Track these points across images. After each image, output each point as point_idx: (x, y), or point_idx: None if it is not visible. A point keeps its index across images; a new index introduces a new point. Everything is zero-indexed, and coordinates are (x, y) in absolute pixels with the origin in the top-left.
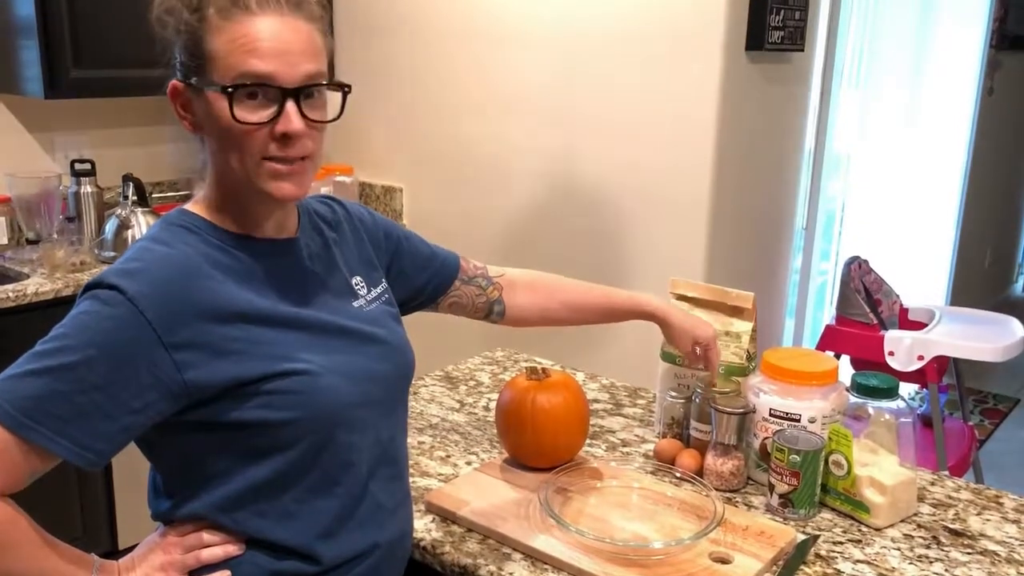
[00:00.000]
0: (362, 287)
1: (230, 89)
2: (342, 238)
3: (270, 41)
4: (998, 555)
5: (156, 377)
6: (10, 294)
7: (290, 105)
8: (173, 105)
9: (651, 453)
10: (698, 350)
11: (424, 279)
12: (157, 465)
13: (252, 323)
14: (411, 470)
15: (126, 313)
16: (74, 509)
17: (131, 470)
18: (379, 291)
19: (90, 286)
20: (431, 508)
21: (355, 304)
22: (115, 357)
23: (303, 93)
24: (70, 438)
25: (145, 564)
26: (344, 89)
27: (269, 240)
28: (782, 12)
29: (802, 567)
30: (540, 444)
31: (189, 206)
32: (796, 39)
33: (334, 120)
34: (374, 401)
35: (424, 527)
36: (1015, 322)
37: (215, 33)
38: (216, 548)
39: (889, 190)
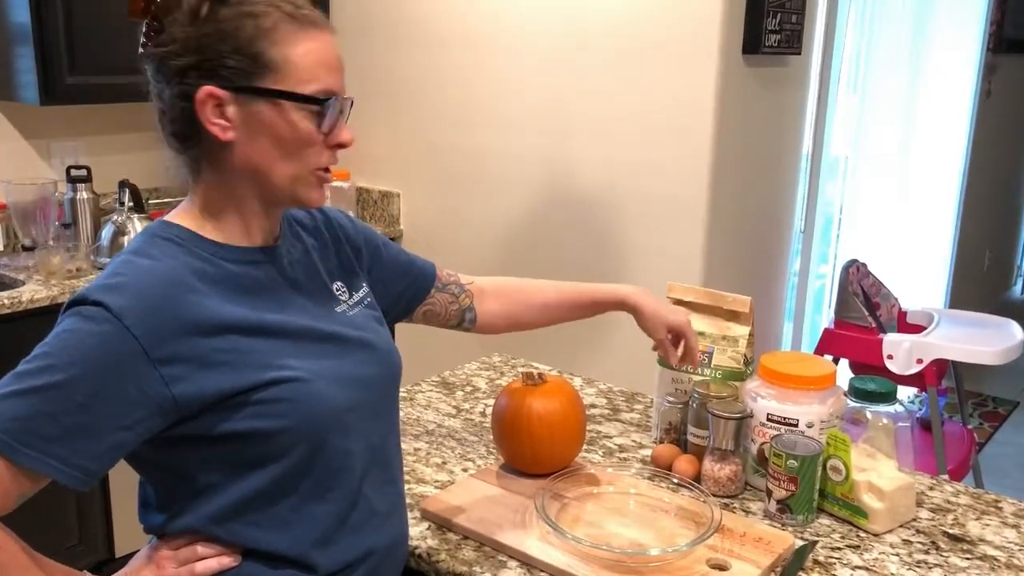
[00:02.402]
0: (343, 292)
1: (322, 100)
2: (321, 244)
3: (335, 58)
4: (997, 560)
5: (144, 393)
6: (5, 301)
7: (343, 119)
8: (200, 111)
9: (648, 459)
10: (671, 339)
11: (402, 286)
12: (149, 479)
13: (239, 333)
14: (407, 477)
15: (112, 329)
16: (71, 518)
17: (127, 478)
18: (361, 295)
19: (73, 303)
20: (427, 515)
21: (338, 309)
22: (102, 374)
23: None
24: (59, 459)
25: None
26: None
27: (251, 249)
28: (779, 16)
29: (800, 573)
30: (536, 450)
31: (170, 217)
32: (793, 43)
33: None
34: (364, 405)
35: (420, 534)
36: (1014, 325)
37: (287, 43)
38: (211, 560)
39: (887, 193)
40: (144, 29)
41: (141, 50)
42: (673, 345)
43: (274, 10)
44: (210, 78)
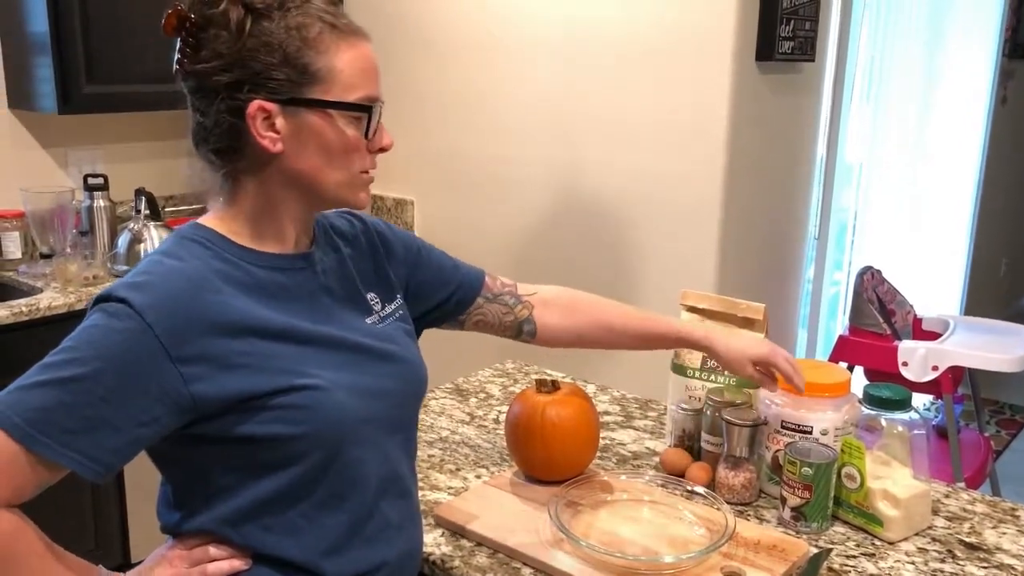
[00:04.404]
0: (376, 303)
1: (367, 107)
2: (358, 253)
3: (374, 65)
4: (1015, 569)
5: (163, 390)
6: (23, 308)
7: (382, 123)
8: (251, 125)
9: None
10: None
11: (446, 293)
12: (166, 476)
13: (261, 337)
14: (420, 483)
15: (134, 326)
16: (87, 522)
17: (144, 483)
18: (393, 307)
19: (99, 299)
20: (440, 522)
21: (368, 320)
22: (123, 370)
23: None
24: (78, 450)
25: None
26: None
27: (282, 255)
28: (792, 22)
29: None
30: (550, 457)
31: (203, 220)
32: (807, 49)
33: None
34: (383, 418)
35: (433, 541)
36: None
37: (332, 52)
38: (222, 563)
39: (902, 199)
40: (179, 46)
41: (177, 67)
42: (766, 374)
43: (316, 21)
44: (259, 91)
